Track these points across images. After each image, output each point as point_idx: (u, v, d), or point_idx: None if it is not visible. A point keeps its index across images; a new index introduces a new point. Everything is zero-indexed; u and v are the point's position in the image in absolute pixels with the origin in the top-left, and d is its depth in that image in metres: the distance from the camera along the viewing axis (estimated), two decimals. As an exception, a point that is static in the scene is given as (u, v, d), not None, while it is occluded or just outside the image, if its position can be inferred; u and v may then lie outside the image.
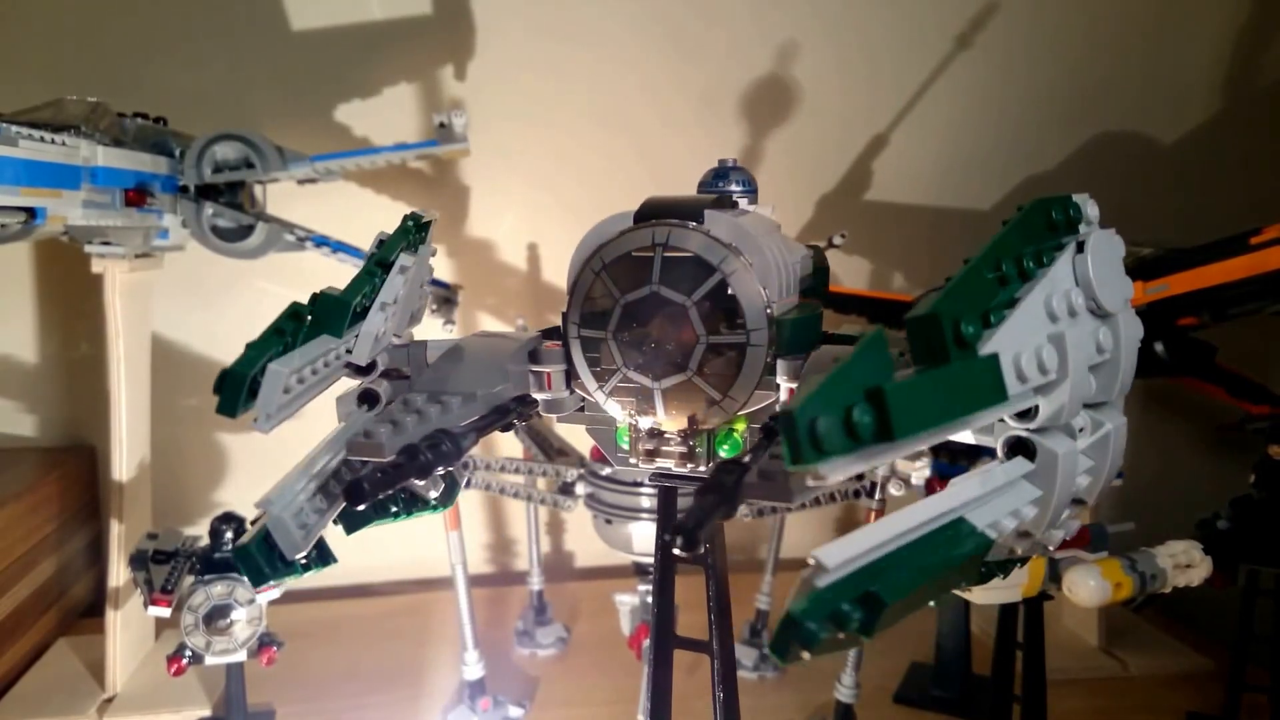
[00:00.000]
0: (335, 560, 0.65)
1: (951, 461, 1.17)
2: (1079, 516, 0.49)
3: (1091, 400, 0.48)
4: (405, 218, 0.67)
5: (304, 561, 0.61)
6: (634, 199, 0.61)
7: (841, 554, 0.36)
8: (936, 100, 1.56)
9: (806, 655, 0.35)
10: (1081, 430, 0.48)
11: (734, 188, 0.71)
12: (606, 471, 1.02)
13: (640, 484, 1.04)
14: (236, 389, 0.55)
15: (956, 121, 1.59)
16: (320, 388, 0.60)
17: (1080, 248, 0.47)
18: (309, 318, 0.61)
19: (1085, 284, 0.46)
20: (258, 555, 0.56)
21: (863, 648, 1.08)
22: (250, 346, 0.58)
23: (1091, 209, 0.48)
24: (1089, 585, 0.85)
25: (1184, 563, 0.90)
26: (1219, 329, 1.10)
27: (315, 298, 0.62)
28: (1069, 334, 0.44)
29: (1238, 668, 1.09)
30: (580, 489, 1.07)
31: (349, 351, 0.61)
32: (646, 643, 1.03)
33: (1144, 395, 1.64)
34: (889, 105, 1.57)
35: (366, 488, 0.50)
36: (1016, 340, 0.42)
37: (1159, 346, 1.11)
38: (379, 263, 0.64)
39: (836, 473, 0.36)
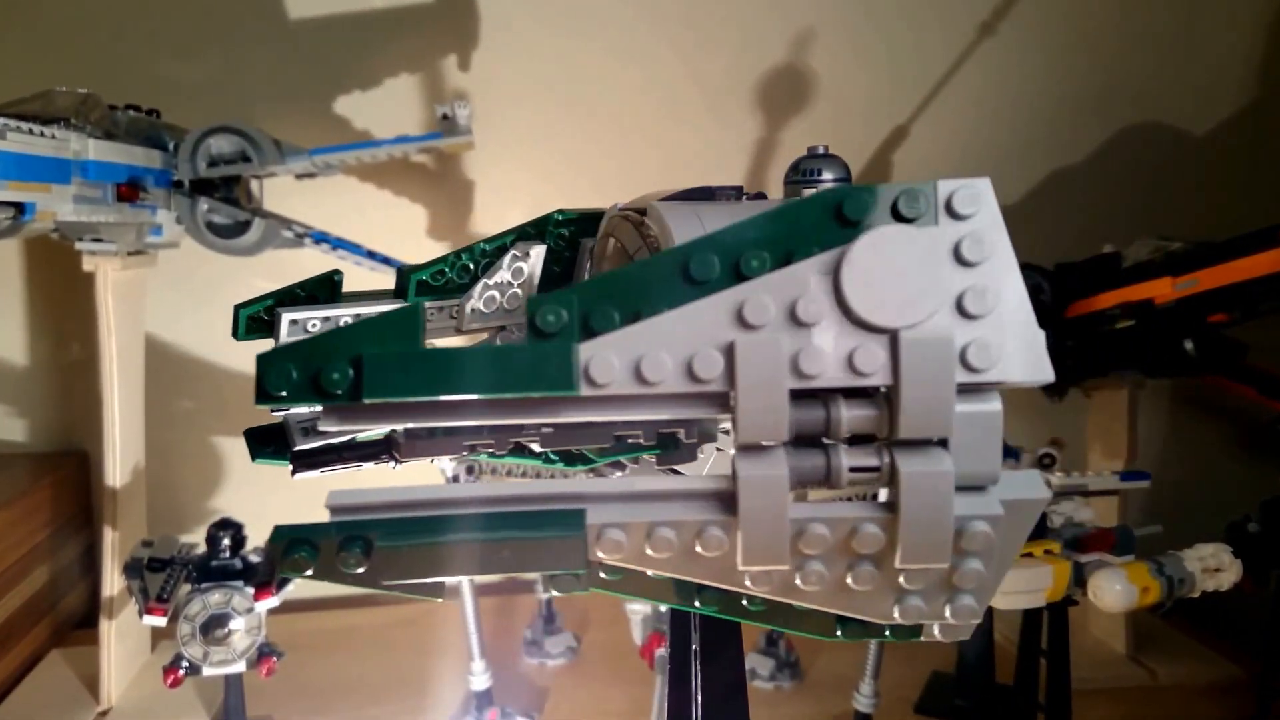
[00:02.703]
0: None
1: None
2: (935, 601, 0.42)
3: (901, 436, 0.40)
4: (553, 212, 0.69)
5: None
6: (643, 191, 0.60)
7: (347, 500, 0.42)
8: (959, 91, 1.53)
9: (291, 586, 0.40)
10: (873, 470, 0.41)
11: (825, 176, 0.66)
12: (617, 475, 0.99)
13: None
14: (235, 320, 0.60)
15: (979, 113, 1.56)
16: None
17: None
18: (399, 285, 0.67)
19: (838, 289, 0.40)
20: (251, 440, 0.61)
21: (881, 656, 1.05)
22: (267, 294, 0.62)
23: (977, 196, 0.40)
24: (1115, 590, 0.83)
25: (1213, 566, 0.88)
26: (1251, 327, 1.08)
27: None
28: (742, 343, 0.39)
29: (1268, 676, 1.08)
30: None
31: (453, 317, 0.66)
32: (659, 652, 1.00)
33: (1173, 395, 1.62)
34: (910, 95, 1.54)
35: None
36: (657, 340, 0.40)
37: (1188, 344, 1.09)
38: (498, 247, 0.67)
39: (331, 424, 0.41)
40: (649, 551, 0.42)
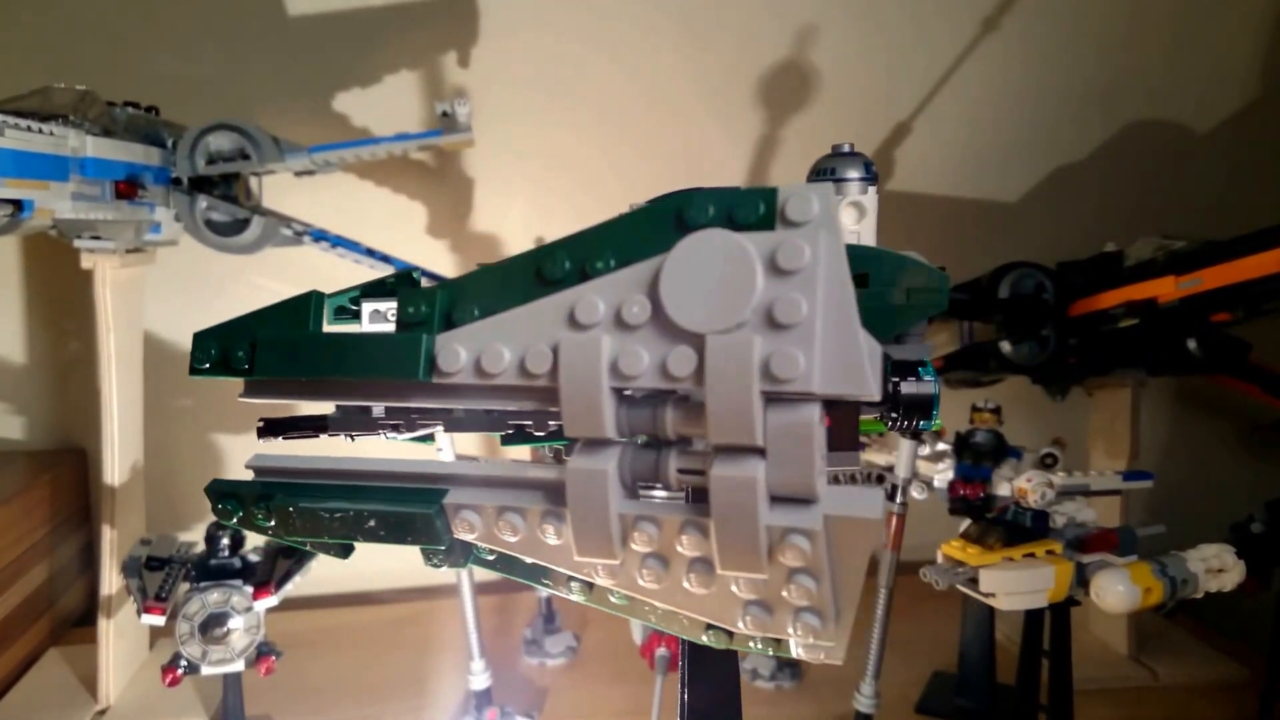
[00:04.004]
0: None
1: (975, 463, 1.14)
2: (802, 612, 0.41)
3: (711, 442, 0.40)
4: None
5: None
6: (644, 189, 0.60)
7: (266, 463, 0.48)
8: (962, 87, 1.52)
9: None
10: (699, 473, 0.41)
11: (850, 174, 0.64)
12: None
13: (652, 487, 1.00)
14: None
15: (983, 109, 1.55)
16: None
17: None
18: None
19: (656, 293, 0.40)
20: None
21: (882, 656, 1.05)
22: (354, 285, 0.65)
23: (808, 204, 0.39)
24: (1117, 590, 0.83)
25: (1216, 567, 0.88)
26: (1255, 326, 1.07)
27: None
28: (566, 341, 0.41)
29: (1272, 676, 1.07)
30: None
31: None
32: (659, 651, 1.00)
33: (1176, 394, 1.61)
34: (913, 92, 1.53)
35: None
36: (501, 334, 0.43)
37: (1192, 343, 1.09)
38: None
39: (251, 396, 0.47)
40: (500, 534, 0.45)
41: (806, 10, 1.49)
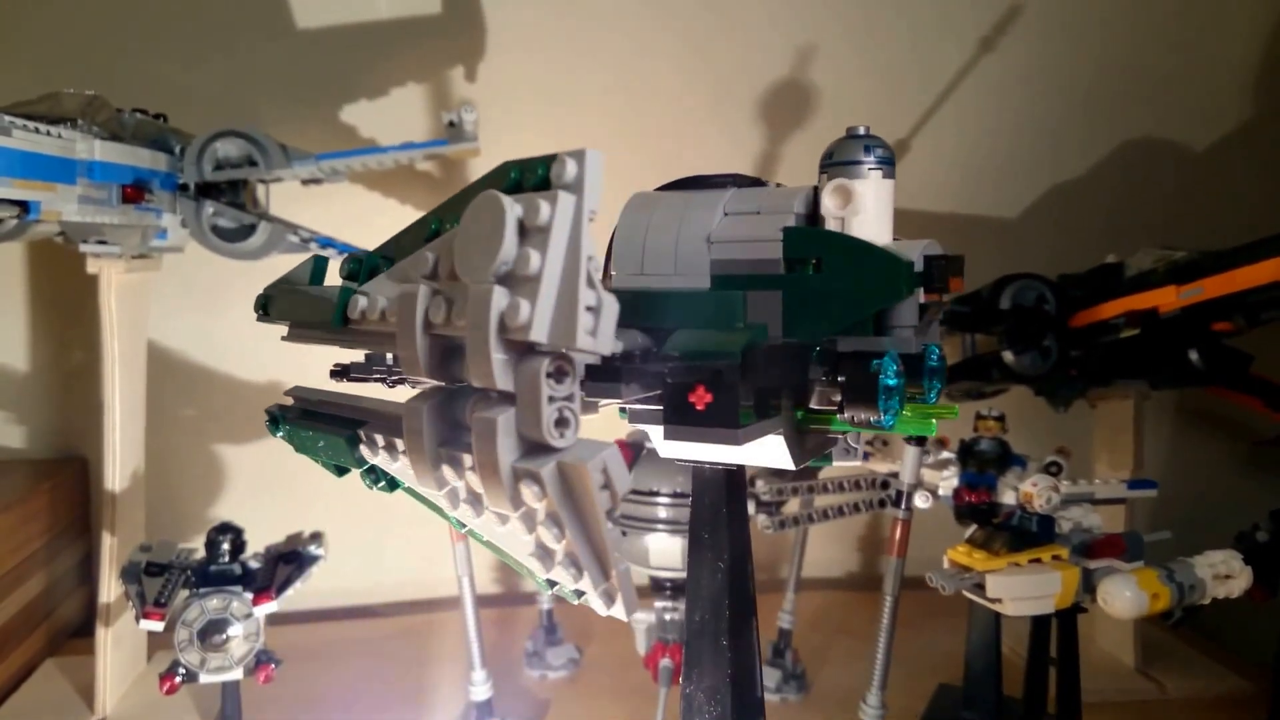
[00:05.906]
0: None
1: (980, 471, 1.14)
2: None
3: (478, 384, 0.42)
4: None
5: None
6: None
7: (299, 393, 0.60)
8: (961, 104, 1.53)
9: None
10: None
11: (846, 157, 0.61)
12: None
13: (657, 493, 1.00)
14: None
15: (981, 126, 1.56)
16: None
17: None
18: None
19: (453, 248, 0.44)
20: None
21: (888, 668, 1.04)
22: None
23: (564, 169, 0.42)
24: (1125, 596, 0.82)
25: (1223, 573, 0.87)
26: (1259, 338, 1.07)
27: None
28: (399, 291, 0.45)
29: (1278, 690, 1.06)
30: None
31: None
32: (663, 663, 0.99)
33: (1178, 409, 1.61)
34: (911, 109, 1.54)
35: None
36: (382, 287, 0.50)
37: (1193, 354, 1.09)
38: None
39: (292, 340, 0.58)
40: (389, 463, 0.51)
41: (807, 27, 1.51)
